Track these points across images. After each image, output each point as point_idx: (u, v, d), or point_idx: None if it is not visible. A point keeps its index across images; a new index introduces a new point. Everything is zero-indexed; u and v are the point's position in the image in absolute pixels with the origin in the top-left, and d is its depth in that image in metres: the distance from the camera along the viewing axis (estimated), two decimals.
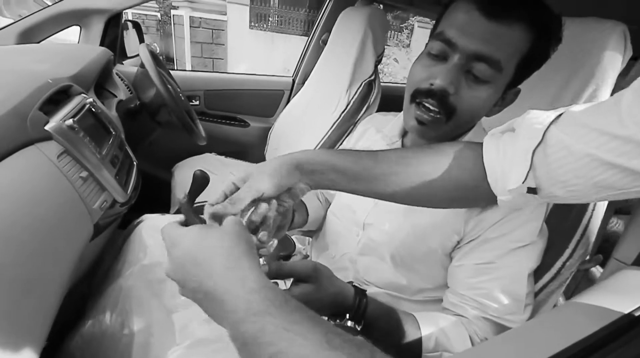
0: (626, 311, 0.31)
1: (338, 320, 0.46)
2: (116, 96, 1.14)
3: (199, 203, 1.13)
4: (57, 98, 0.70)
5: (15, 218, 0.44)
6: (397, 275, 0.60)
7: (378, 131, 0.73)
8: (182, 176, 1.30)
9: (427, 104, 0.50)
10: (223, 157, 1.52)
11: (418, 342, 0.48)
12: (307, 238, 0.95)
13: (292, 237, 0.96)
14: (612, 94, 0.60)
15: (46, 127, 0.59)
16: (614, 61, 0.58)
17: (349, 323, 0.46)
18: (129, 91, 1.23)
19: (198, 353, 0.54)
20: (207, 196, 1.15)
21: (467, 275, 0.52)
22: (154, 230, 0.74)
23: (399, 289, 0.61)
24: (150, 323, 0.61)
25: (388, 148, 0.67)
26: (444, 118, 0.50)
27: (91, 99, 0.79)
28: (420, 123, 0.52)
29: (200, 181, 1.04)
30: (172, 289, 0.65)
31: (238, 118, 1.63)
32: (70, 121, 0.63)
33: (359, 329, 0.46)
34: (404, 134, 0.67)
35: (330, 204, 0.79)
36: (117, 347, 0.62)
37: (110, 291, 0.67)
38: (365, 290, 0.50)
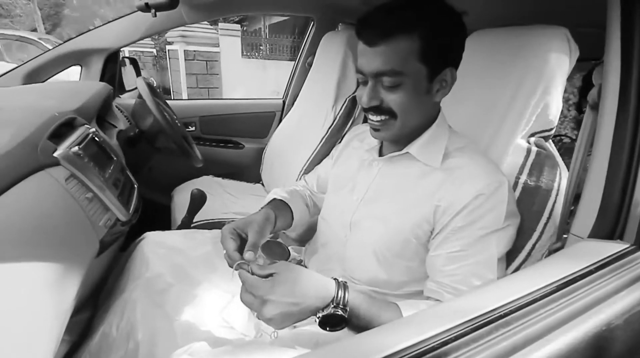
0: (566, 274, 0.36)
1: (324, 310, 0.49)
2: (116, 127, 1.22)
3: (197, 221, 1.18)
4: (63, 130, 0.77)
5: (28, 233, 0.50)
6: (380, 270, 0.64)
7: (361, 141, 0.79)
8: (182, 198, 1.35)
9: (370, 116, 0.61)
10: (220, 179, 1.58)
11: None
12: (302, 247, 0.99)
13: (289, 248, 1.00)
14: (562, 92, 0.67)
15: (55, 154, 0.65)
16: (560, 62, 0.65)
17: (333, 310, 0.48)
18: (128, 121, 1.30)
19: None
20: (205, 214, 1.20)
21: (442, 263, 0.57)
22: (155, 245, 0.79)
23: (382, 284, 0.65)
24: (154, 332, 0.65)
25: (367, 154, 0.73)
26: (390, 119, 0.59)
27: (93, 129, 0.86)
28: (375, 129, 0.62)
29: (199, 200, 1.11)
30: (173, 299, 0.69)
31: (233, 141, 1.71)
32: (76, 148, 0.70)
33: (345, 316, 0.49)
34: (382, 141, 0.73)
35: (319, 210, 0.84)
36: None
37: (115, 307, 0.71)
38: (345, 282, 0.53)
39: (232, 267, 0.54)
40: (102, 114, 1.21)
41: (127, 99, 1.48)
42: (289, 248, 1.01)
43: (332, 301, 0.49)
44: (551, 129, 0.70)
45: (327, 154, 1.26)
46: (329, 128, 1.27)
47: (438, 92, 0.59)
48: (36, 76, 1.27)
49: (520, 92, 0.68)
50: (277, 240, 1.13)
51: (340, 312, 0.48)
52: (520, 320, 0.29)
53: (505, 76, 0.71)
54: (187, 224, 1.09)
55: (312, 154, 1.28)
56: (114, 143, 1.06)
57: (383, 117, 0.59)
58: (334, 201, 0.77)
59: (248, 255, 0.55)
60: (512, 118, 0.69)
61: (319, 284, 0.50)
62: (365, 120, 1.30)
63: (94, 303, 0.85)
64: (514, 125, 0.68)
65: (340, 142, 1.24)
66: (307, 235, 1.09)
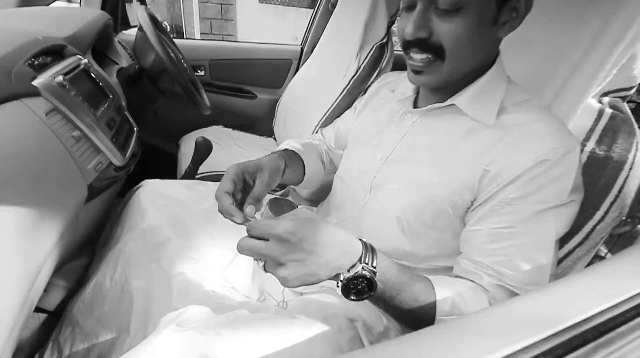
0: None
1: (350, 271, 0.39)
2: (117, 64, 1.11)
3: (202, 173, 1.11)
4: (50, 59, 0.67)
5: (1, 164, 0.42)
6: (404, 240, 0.56)
7: (392, 90, 0.67)
8: (189, 148, 1.27)
9: (412, 54, 0.49)
10: (230, 130, 1.48)
11: (432, 303, 0.43)
12: (314, 207, 0.91)
13: (300, 206, 0.93)
14: None
15: (34, 83, 0.56)
16: None
17: (362, 270, 0.39)
18: (131, 58, 1.19)
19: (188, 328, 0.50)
20: (212, 165, 1.12)
21: (484, 241, 0.47)
22: (153, 195, 0.72)
23: (404, 256, 0.57)
24: (149, 288, 0.60)
25: (399, 105, 0.62)
26: (436, 59, 0.48)
27: (86, 61, 0.75)
28: (416, 72, 0.51)
29: (203, 149, 1.02)
30: (170, 254, 0.63)
31: (245, 89, 1.58)
32: (60, 78, 0.60)
33: (375, 279, 0.40)
34: (418, 90, 0.61)
35: (336, 168, 0.74)
36: (118, 312, 0.61)
37: (110, 257, 0.66)
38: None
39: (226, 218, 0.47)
40: (101, 48, 1.09)
41: (130, 35, 1.35)
42: (300, 207, 0.93)
43: (360, 260, 0.40)
44: (631, 88, 0.56)
45: (347, 109, 1.14)
46: (351, 79, 1.13)
47: (505, 25, 0.46)
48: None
49: (603, 37, 0.54)
50: (287, 198, 1.06)
51: (368, 273, 0.40)
52: (627, 336, 0.20)
53: (584, 15, 0.56)
54: (191, 175, 1.02)
55: (330, 107, 1.16)
56: (113, 81, 0.96)
57: (429, 56, 0.48)
58: (354, 158, 0.67)
59: (249, 209, 0.47)
60: (587, 70, 0.55)
61: (343, 238, 0.41)
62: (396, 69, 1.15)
63: (92, 250, 0.80)
64: (588, 79, 0.55)
65: (364, 94, 1.11)
66: (321, 194, 1.00)
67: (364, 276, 0.39)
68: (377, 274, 0.40)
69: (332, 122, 0.98)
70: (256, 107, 1.60)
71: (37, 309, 0.72)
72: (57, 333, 0.67)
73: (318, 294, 0.59)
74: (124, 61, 1.14)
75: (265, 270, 0.40)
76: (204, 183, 0.87)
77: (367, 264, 0.40)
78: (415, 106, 0.60)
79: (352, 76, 1.14)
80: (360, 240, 0.43)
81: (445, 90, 0.53)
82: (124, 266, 0.63)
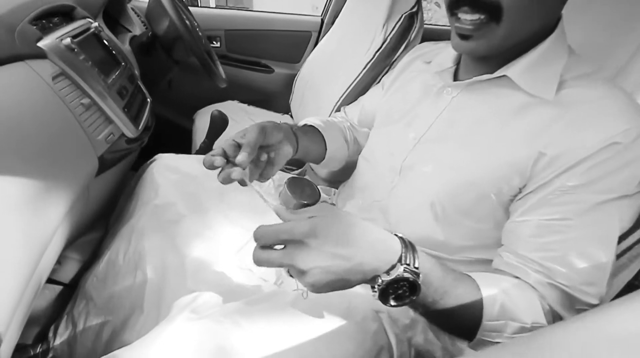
0: None
1: (389, 273, 0.33)
2: (130, 31, 1.06)
3: None
4: (58, 20, 0.62)
5: (4, 130, 0.38)
6: (436, 228, 0.51)
7: (427, 62, 0.60)
8: (203, 122, 1.23)
9: (461, 14, 0.42)
10: (245, 105, 1.43)
11: (479, 307, 0.38)
12: (333, 189, 0.87)
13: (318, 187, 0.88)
14: None
15: (39, 44, 0.51)
16: None
17: (403, 273, 0.33)
18: (145, 26, 1.14)
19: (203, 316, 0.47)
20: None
21: (532, 233, 0.42)
22: (166, 169, 0.69)
23: (436, 246, 0.52)
24: (163, 266, 0.57)
25: (435, 79, 0.55)
26: (490, 21, 0.40)
27: (97, 25, 0.70)
28: (463, 37, 0.43)
29: (220, 123, 0.97)
30: (184, 232, 0.60)
31: (262, 63, 1.51)
32: (68, 40, 0.56)
33: (418, 282, 0.34)
34: (458, 61, 0.54)
35: (360, 148, 0.69)
36: (131, 289, 0.59)
37: (123, 232, 0.64)
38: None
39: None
40: (114, 14, 1.04)
41: (143, 2, 1.29)
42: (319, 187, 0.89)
43: (400, 260, 0.34)
44: None
45: (371, 85, 1.07)
46: (376, 52, 1.05)
47: None
48: None
49: None
50: (306, 177, 1.01)
51: (411, 276, 0.33)
52: None
53: None
54: (205, 150, 0.98)
55: (352, 83, 1.09)
56: (126, 48, 0.92)
57: (481, 17, 0.40)
58: (382, 138, 0.61)
59: (241, 156, 0.41)
60: None
61: (377, 236, 0.35)
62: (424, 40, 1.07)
63: (105, 223, 0.79)
64: None
65: (389, 70, 1.03)
66: (342, 174, 0.95)
67: (406, 280, 0.33)
68: (420, 276, 0.34)
69: (353, 99, 0.92)
70: (273, 82, 1.53)
71: (53, 281, 0.71)
72: (71, 306, 0.66)
73: None
74: (137, 29, 1.09)
75: (290, 275, 0.35)
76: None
77: (409, 265, 0.34)
78: (455, 79, 0.53)
79: (377, 48, 1.05)
80: (397, 235, 0.37)
81: (494, 60, 0.46)
82: (137, 242, 0.61)
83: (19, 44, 0.47)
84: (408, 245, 0.35)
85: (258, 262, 0.34)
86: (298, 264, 0.32)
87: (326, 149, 0.66)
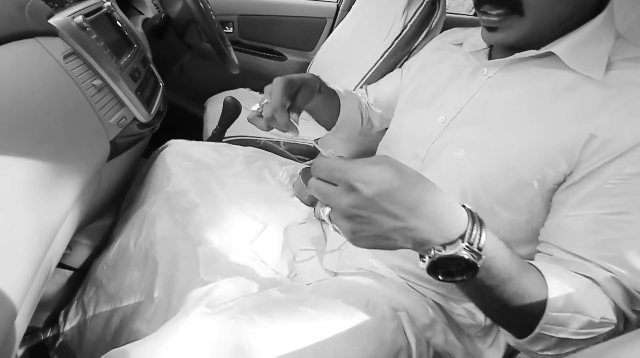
0: None
1: (445, 248, 0.29)
2: (143, 14, 1.03)
3: (230, 136, 1.04)
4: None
5: (6, 117, 0.37)
6: None
7: (458, 43, 0.56)
8: (215, 109, 1.21)
9: (486, 8, 0.42)
10: (257, 93, 1.40)
11: (543, 297, 0.34)
12: None
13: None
14: None
15: (50, 21, 0.49)
16: None
17: (461, 251, 0.28)
18: (157, 9, 1.11)
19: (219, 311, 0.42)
20: (239, 129, 1.06)
21: (586, 229, 0.37)
22: (179, 156, 0.67)
23: None
24: (174, 256, 0.56)
25: (468, 59, 0.51)
26: (513, 14, 0.40)
27: (109, 4, 0.68)
28: (490, 29, 0.44)
29: (233, 109, 0.95)
30: (197, 221, 0.58)
31: (275, 50, 1.48)
32: (79, 19, 0.53)
33: (478, 265, 0.29)
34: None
35: (372, 128, 0.66)
36: (142, 277, 0.57)
37: (134, 219, 0.62)
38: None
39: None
40: None
41: None
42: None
43: (462, 238, 0.29)
44: None
45: (388, 73, 1.03)
46: (395, 39, 1.00)
47: None
48: None
49: None
50: None
51: (471, 258, 0.29)
52: None
53: None
54: (218, 137, 0.96)
55: (369, 72, 1.05)
56: (139, 31, 0.89)
57: (504, 11, 0.40)
58: (406, 123, 0.57)
59: (280, 120, 0.46)
60: None
61: (443, 205, 0.29)
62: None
63: (116, 210, 0.78)
64: None
65: (409, 57, 0.99)
66: (342, 128, 0.93)
67: (463, 259, 0.29)
68: (482, 259, 0.29)
69: None
70: (286, 71, 1.50)
71: (64, 266, 0.71)
72: (81, 292, 0.65)
73: (355, 276, 0.53)
74: (150, 11, 1.06)
75: (331, 220, 0.30)
76: (231, 146, 0.81)
77: (472, 244, 0.29)
78: (490, 57, 0.50)
79: (397, 36, 1.01)
80: (465, 206, 0.31)
81: (536, 40, 0.42)
82: (148, 230, 0.59)
83: (29, 19, 0.45)
84: (476, 220, 0.30)
85: (310, 187, 0.31)
86: (343, 207, 0.28)
87: (339, 111, 0.63)
